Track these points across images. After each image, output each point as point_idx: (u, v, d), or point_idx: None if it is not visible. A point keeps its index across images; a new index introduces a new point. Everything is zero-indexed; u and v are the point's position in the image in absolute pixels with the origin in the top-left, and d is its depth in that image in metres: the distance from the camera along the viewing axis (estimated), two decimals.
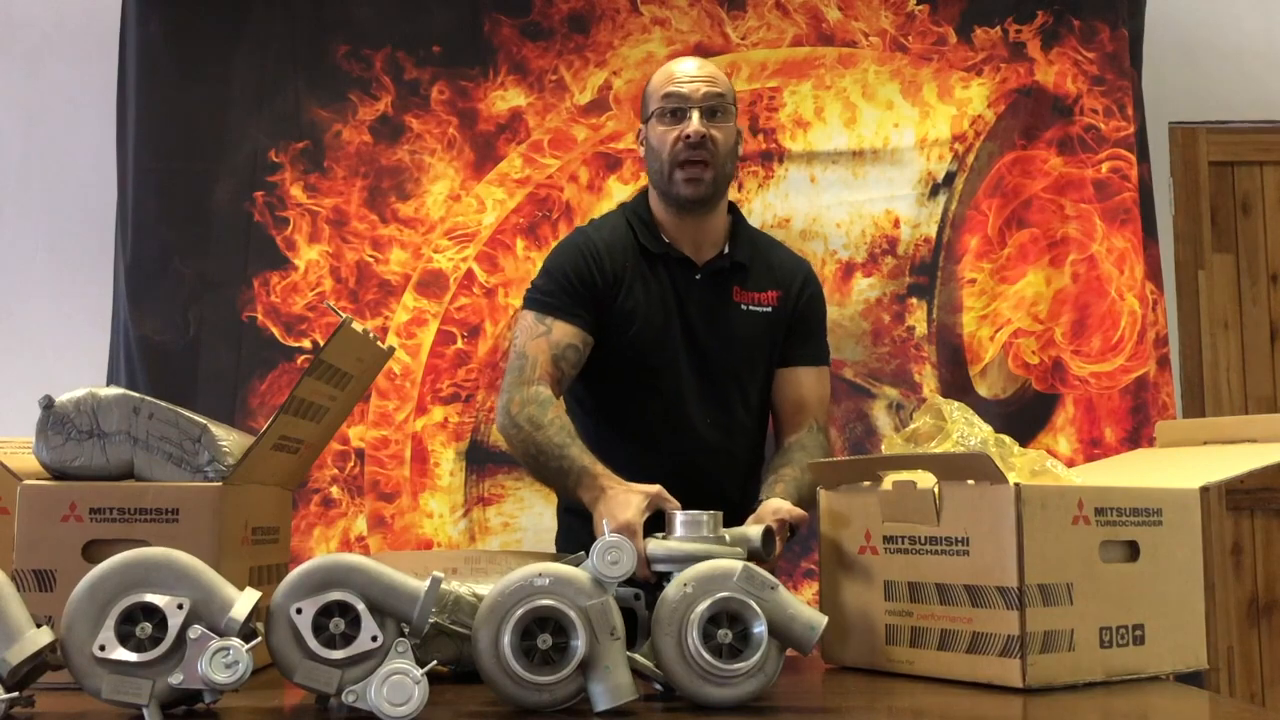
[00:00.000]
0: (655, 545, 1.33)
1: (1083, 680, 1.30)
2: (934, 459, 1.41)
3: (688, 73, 1.93)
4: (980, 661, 1.30)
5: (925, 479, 1.41)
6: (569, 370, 1.88)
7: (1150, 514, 1.39)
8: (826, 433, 1.99)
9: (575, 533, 1.92)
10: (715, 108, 1.92)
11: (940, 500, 1.36)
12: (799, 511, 1.68)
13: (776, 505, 1.69)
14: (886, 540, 1.41)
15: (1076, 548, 1.31)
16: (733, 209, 2.00)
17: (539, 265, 1.99)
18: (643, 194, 1.99)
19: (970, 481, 1.34)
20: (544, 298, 1.90)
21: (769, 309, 1.97)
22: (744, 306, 1.97)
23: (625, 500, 1.61)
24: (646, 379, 1.93)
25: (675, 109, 1.90)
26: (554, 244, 2.05)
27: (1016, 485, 1.28)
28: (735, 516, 1.63)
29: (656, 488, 1.62)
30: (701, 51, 2.88)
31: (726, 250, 1.97)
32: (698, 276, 1.94)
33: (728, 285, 1.95)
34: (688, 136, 1.88)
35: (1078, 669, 1.30)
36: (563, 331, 1.87)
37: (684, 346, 1.94)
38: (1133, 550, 1.37)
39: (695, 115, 1.89)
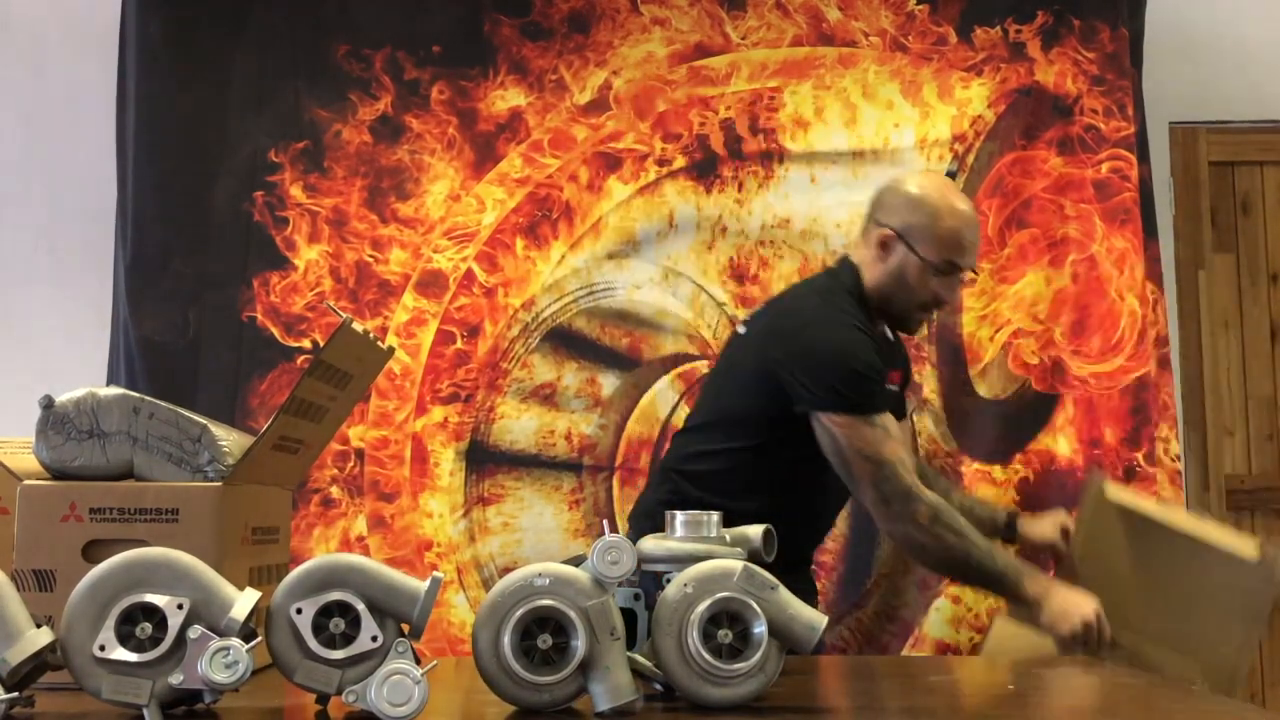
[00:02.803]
0: (655, 545, 1.33)
1: None
2: None
3: (975, 245, 2.11)
4: None
5: None
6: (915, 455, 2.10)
7: None
8: None
9: None
10: None
11: None
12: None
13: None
14: None
15: None
16: None
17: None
18: (855, 278, 2.12)
19: None
20: (863, 399, 1.97)
21: (896, 388, 2.19)
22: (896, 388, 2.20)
23: (1078, 599, 1.88)
24: None
25: (946, 273, 2.07)
26: (824, 338, 2.06)
27: None
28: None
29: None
30: (702, 51, 2.88)
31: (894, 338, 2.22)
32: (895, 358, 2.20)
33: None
34: (945, 302, 2.11)
35: None
36: (892, 423, 2.02)
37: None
38: None
39: (958, 286, 2.15)
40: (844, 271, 2.14)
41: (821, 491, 2.10)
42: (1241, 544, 1.96)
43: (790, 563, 1.81)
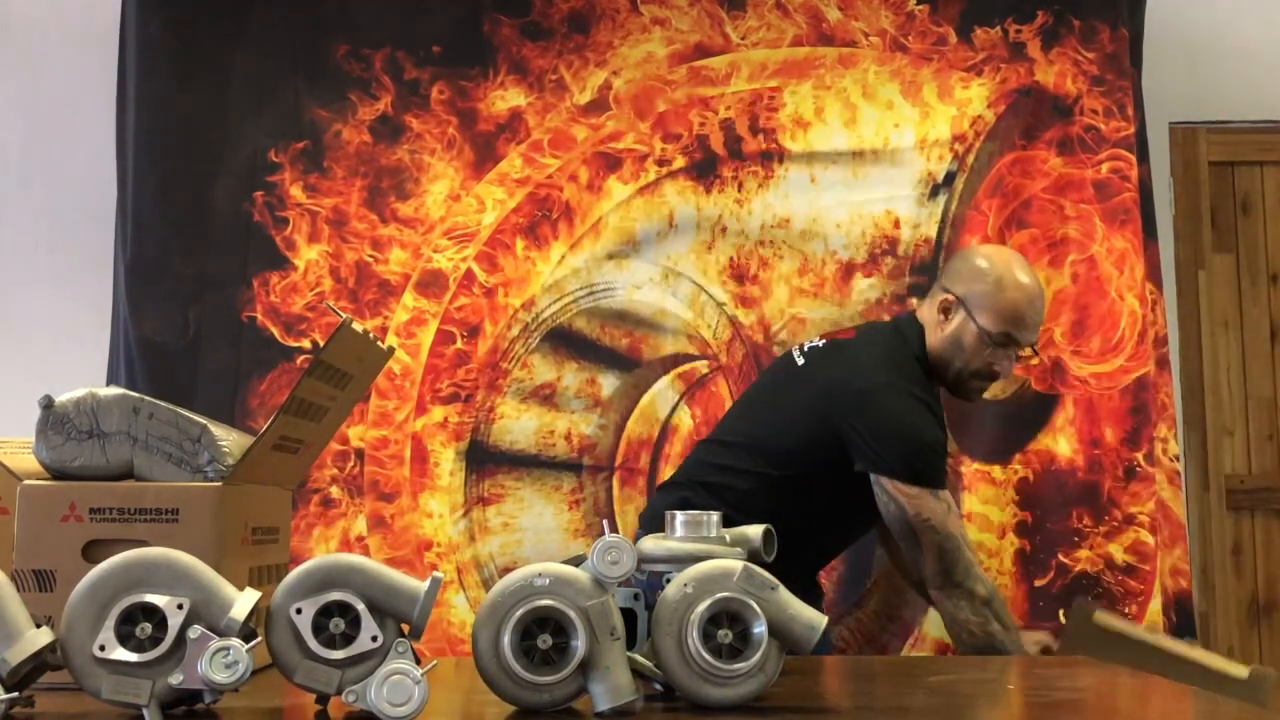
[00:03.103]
0: (655, 545, 1.33)
1: None
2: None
3: (1036, 323, 2.16)
4: None
5: None
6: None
7: None
8: None
9: None
10: None
11: None
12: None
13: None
14: None
15: None
16: None
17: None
18: (920, 339, 2.19)
19: None
20: (932, 474, 2.05)
21: None
22: None
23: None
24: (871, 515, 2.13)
25: (1005, 346, 2.12)
26: (896, 409, 2.15)
27: None
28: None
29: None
30: (702, 51, 2.88)
31: None
32: None
33: None
34: (998, 374, 2.16)
35: None
36: (950, 498, 2.08)
37: None
38: None
39: (1019, 362, 2.17)
40: (910, 331, 2.18)
41: (842, 527, 2.16)
42: (1231, 665, 2.03)
43: (797, 579, 1.85)
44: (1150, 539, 2.67)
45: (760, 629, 1.14)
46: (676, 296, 2.81)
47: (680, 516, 1.35)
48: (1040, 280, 2.26)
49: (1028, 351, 2.18)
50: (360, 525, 2.74)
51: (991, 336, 2.11)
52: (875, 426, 2.03)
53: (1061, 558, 2.68)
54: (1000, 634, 2.00)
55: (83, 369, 2.78)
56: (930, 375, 2.16)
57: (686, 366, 2.80)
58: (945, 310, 2.16)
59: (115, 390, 1.36)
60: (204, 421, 1.36)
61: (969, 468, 2.73)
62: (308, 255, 2.83)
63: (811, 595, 2.22)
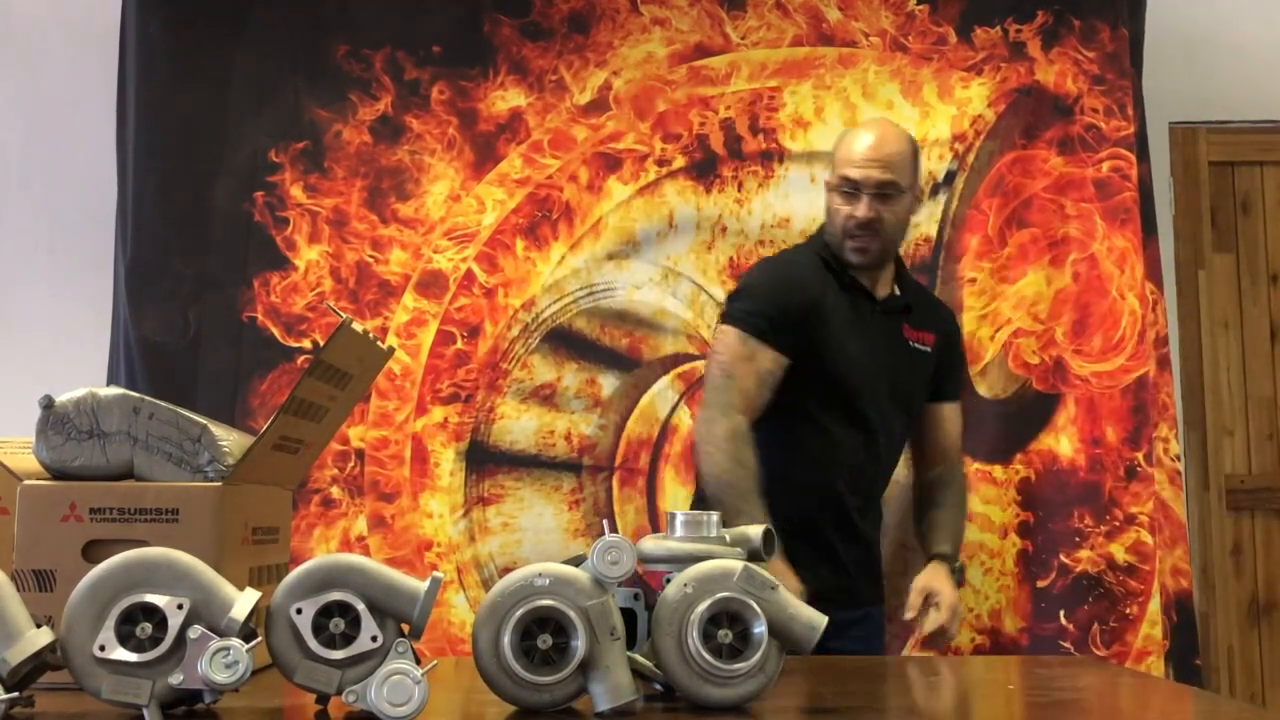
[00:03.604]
0: (655, 545, 1.33)
1: None
2: None
3: (864, 156, 2.07)
4: None
5: None
6: (770, 396, 2.00)
7: None
8: (962, 465, 2.13)
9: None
10: (887, 193, 2.04)
11: None
12: (950, 609, 2.02)
13: (933, 590, 2.00)
14: None
15: None
16: (896, 258, 2.18)
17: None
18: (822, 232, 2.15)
19: None
20: (752, 320, 2.02)
21: (928, 349, 2.15)
22: (911, 343, 2.14)
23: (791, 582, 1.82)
24: (847, 402, 2.04)
25: (848, 191, 2.07)
26: (754, 264, 2.16)
27: None
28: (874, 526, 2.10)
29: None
30: (702, 51, 2.88)
31: (897, 291, 2.10)
32: (877, 310, 2.05)
33: (899, 322, 2.14)
34: (856, 220, 2.07)
35: None
36: (765, 357, 1.99)
37: (879, 374, 2.06)
38: None
39: (865, 201, 2.06)
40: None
41: (833, 429, 2.08)
42: None
43: (802, 528, 1.83)
44: (1150, 539, 2.67)
45: (760, 629, 1.14)
46: (676, 296, 2.81)
47: (680, 516, 1.34)
48: (897, 127, 2.20)
49: (868, 191, 2.07)
50: (360, 525, 2.74)
51: (835, 188, 2.12)
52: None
53: (1063, 558, 2.68)
54: (729, 469, 1.92)
55: (83, 369, 2.78)
56: (836, 258, 2.15)
57: (686, 366, 2.79)
58: (827, 189, 2.21)
59: (115, 390, 1.36)
60: (204, 421, 1.36)
61: (970, 467, 2.73)
62: (308, 255, 2.83)
63: (863, 558, 2.11)
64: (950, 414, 2.24)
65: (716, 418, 1.98)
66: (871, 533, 2.19)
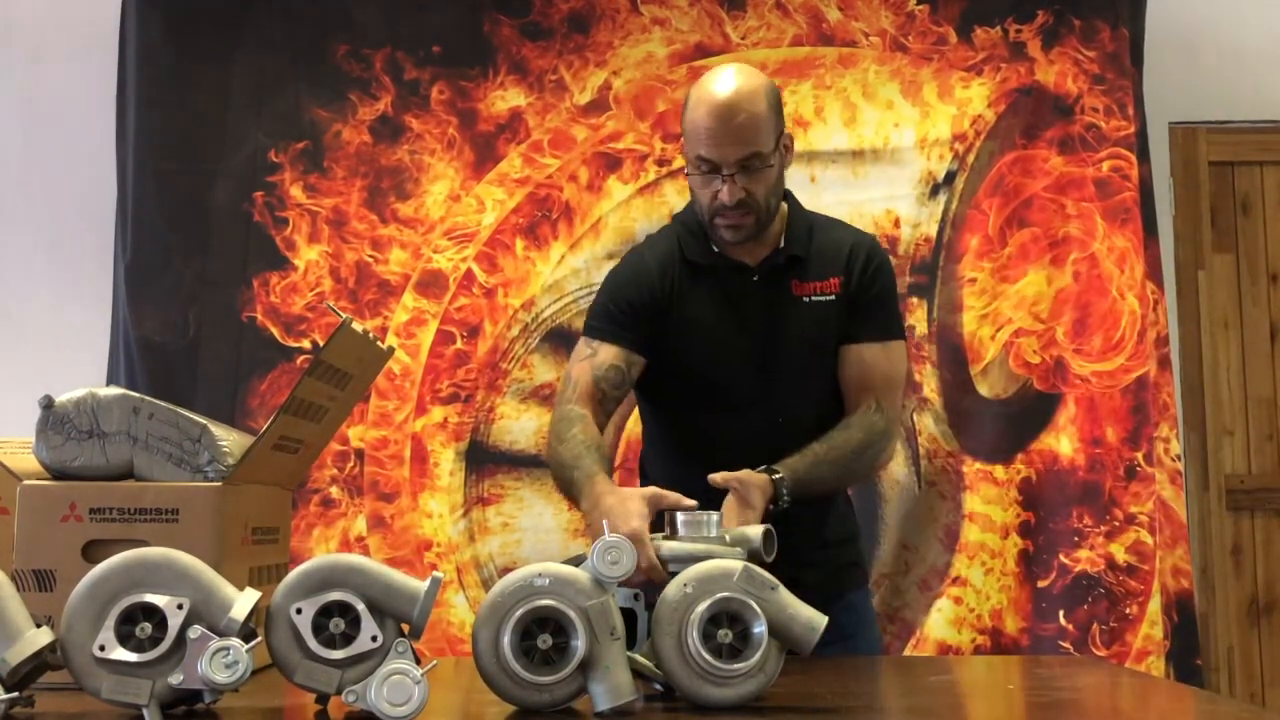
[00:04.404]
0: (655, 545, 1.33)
1: None
2: None
3: (715, 132, 1.84)
4: None
5: None
6: (610, 390, 1.92)
7: None
8: (888, 411, 1.93)
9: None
10: (750, 165, 1.85)
11: None
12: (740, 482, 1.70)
13: (739, 478, 1.71)
14: None
15: None
16: (788, 197, 1.96)
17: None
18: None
19: None
20: (593, 322, 1.96)
21: (831, 296, 1.94)
22: (805, 299, 1.94)
23: (625, 510, 1.56)
24: (710, 389, 1.95)
25: (708, 171, 1.86)
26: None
27: None
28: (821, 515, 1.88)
29: (651, 490, 1.61)
30: (702, 51, 2.88)
31: (783, 245, 1.94)
32: (755, 279, 1.93)
33: (785, 281, 1.93)
34: (722, 204, 1.86)
35: None
36: (606, 353, 1.92)
37: (746, 352, 1.94)
38: None
39: (728, 182, 1.84)
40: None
41: (703, 417, 1.97)
42: None
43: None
44: (1150, 539, 2.67)
45: (760, 629, 1.13)
46: None
47: (680, 516, 1.35)
48: (746, 77, 1.86)
49: (728, 162, 1.83)
50: (360, 525, 2.74)
51: (693, 168, 1.88)
52: None
53: (1063, 558, 2.68)
54: (556, 448, 1.86)
55: (83, 369, 2.78)
56: (701, 238, 1.97)
57: None
58: (686, 171, 1.97)
59: (115, 390, 1.36)
60: (204, 421, 1.36)
61: (970, 467, 2.73)
62: (308, 255, 2.83)
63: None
64: (868, 355, 1.95)
65: (552, 418, 1.94)
66: (801, 513, 1.86)
